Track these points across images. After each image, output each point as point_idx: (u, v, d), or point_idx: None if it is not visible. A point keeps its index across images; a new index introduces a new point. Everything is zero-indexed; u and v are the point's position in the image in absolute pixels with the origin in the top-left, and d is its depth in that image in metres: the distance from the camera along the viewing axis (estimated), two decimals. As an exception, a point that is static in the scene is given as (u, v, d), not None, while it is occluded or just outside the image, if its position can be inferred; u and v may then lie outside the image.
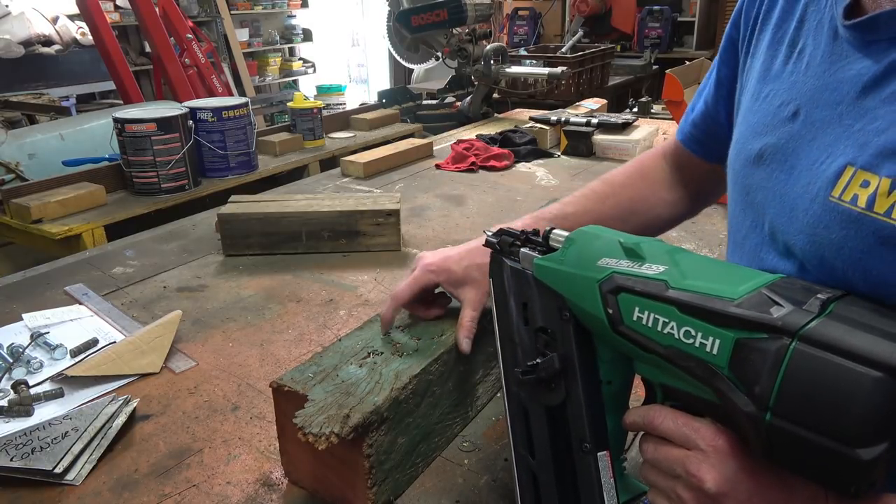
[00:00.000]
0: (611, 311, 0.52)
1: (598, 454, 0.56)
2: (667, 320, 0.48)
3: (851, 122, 0.52)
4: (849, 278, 0.50)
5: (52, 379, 0.99)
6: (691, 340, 0.47)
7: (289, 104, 2.75)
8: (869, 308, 0.44)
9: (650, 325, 0.50)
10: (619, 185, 0.88)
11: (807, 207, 0.54)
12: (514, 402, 0.63)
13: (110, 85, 4.61)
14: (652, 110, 3.08)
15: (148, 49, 5.05)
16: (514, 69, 3.02)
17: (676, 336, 0.48)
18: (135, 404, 0.91)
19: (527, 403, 0.62)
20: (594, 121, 2.31)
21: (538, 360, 0.58)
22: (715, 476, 0.46)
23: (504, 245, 0.66)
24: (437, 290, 0.85)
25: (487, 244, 0.68)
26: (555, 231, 0.61)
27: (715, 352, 0.46)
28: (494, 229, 0.69)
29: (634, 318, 0.51)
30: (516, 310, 0.63)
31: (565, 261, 0.57)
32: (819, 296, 0.45)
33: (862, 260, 0.49)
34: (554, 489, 0.59)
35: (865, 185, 0.49)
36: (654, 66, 4.62)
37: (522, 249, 0.63)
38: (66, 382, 0.98)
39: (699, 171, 0.86)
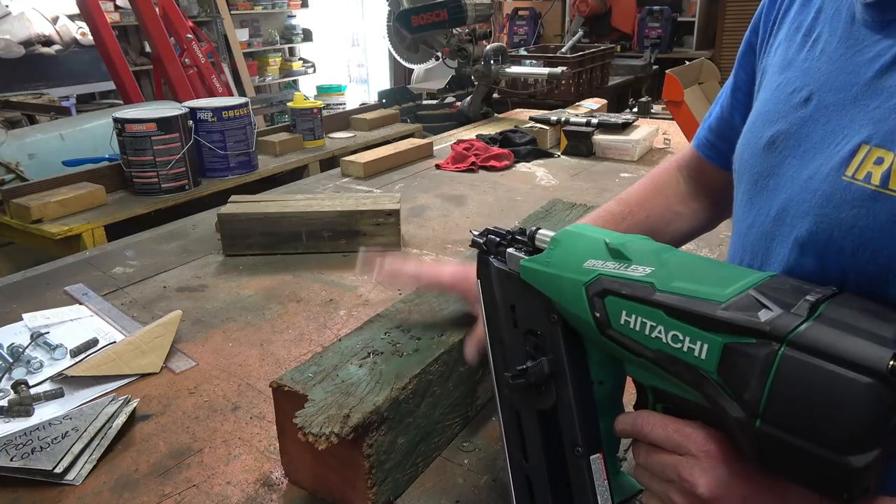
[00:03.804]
0: (598, 315, 0.51)
1: (591, 457, 0.56)
2: (654, 324, 0.48)
3: (867, 101, 0.50)
4: (857, 259, 0.49)
5: (52, 379, 0.99)
6: (679, 345, 0.46)
7: (289, 104, 2.75)
8: (859, 308, 0.44)
9: (638, 328, 0.49)
10: (636, 203, 0.88)
11: (816, 188, 0.52)
12: (507, 405, 0.62)
13: (110, 85, 4.61)
14: (652, 110, 3.08)
15: (148, 49, 5.05)
16: (514, 69, 3.02)
17: (664, 340, 0.47)
18: (135, 404, 0.91)
19: (518, 407, 0.61)
20: (594, 121, 2.31)
21: (527, 365, 0.58)
22: (707, 481, 0.46)
23: (490, 245, 0.65)
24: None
25: (473, 244, 0.67)
26: (540, 231, 0.60)
27: (703, 356, 0.45)
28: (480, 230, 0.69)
29: (622, 322, 0.50)
30: (504, 312, 0.62)
31: (551, 262, 0.56)
32: (808, 297, 0.44)
33: (873, 239, 0.48)
34: (548, 492, 0.59)
35: (879, 162, 0.48)
36: (654, 66, 4.63)
37: (508, 250, 0.62)
38: (66, 382, 0.98)
39: (715, 180, 0.84)
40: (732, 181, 0.76)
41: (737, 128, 0.75)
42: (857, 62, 0.53)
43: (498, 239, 0.64)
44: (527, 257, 0.59)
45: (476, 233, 0.67)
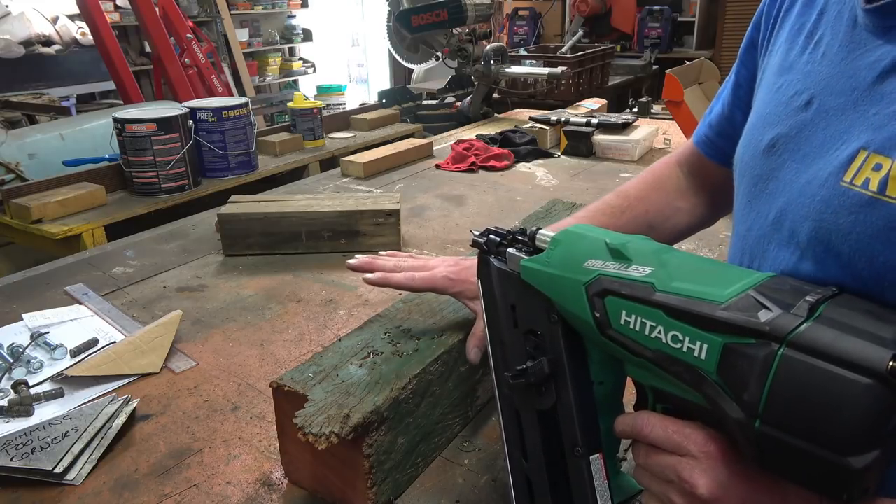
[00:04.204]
0: (598, 315, 0.51)
1: (591, 458, 0.56)
2: (654, 324, 0.48)
3: (867, 107, 0.50)
4: (854, 264, 0.49)
5: (52, 379, 0.99)
6: (679, 345, 0.46)
7: (289, 104, 2.75)
8: (860, 309, 0.43)
9: (637, 328, 0.49)
10: (635, 198, 0.87)
11: (815, 193, 0.52)
12: (507, 404, 0.62)
13: (110, 85, 4.61)
14: (652, 110, 3.08)
15: (148, 49, 5.05)
16: (514, 69, 3.02)
17: (664, 340, 0.47)
18: (135, 404, 0.91)
19: (518, 407, 0.61)
20: (594, 121, 2.31)
21: (527, 365, 0.58)
22: (707, 482, 0.46)
23: (491, 245, 0.65)
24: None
25: (474, 244, 0.67)
26: (541, 231, 0.60)
27: (703, 357, 0.45)
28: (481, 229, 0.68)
29: (622, 322, 0.50)
30: (505, 312, 0.62)
31: (551, 262, 0.56)
32: (808, 297, 0.44)
33: (870, 245, 0.48)
34: (548, 492, 0.59)
35: (878, 168, 0.47)
36: (654, 66, 4.63)
37: (509, 250, 0.62)
38: (66, 382, 0.98)
39: (714, 176, 0.84)
40: (731, 178, 0.76)
41: (737, 126, 0.75)
42: (858, 66, 0.52)
43: (498, 239, 0.64)
44: (527, 257, 0.59)
45: (477, 233, 0.67)
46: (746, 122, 0.70)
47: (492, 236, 0.65)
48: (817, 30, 0.59)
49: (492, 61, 2.91)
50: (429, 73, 4.70)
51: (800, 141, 0.56)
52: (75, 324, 1.15)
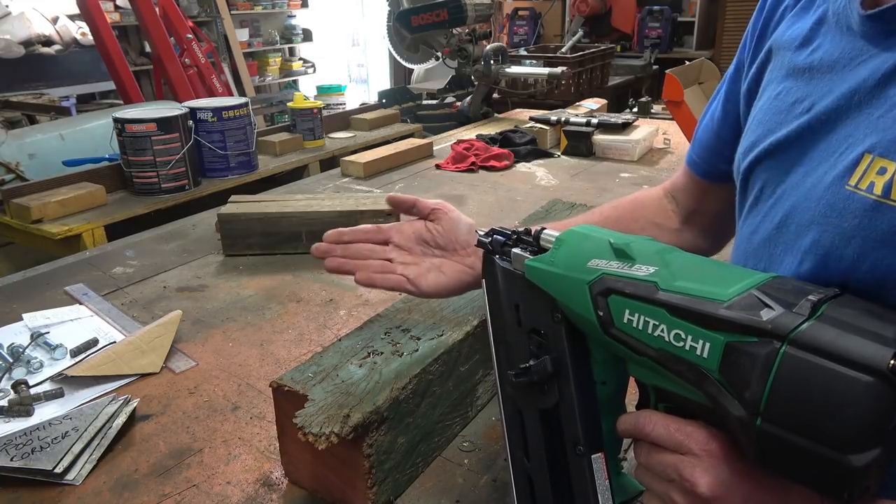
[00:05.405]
0: (601, 314, 0.52)
1: (593, 456, 0.56)
2: (657, 323, 0.48)
3: (872, 111, 0.51)
4: (858, 268, 0.49)
5: (52, 379, 0.99)
6: (682, 343, 0.46)
7: (289, 104, 2.75)
8: (861, 309, 0.44)
9: (641, 327, 0.49)
10: (614, 220, 0.85)
11: (820, 197, 0.53)
12: (509, 403, 0.63)
13: (110, 85, 4.60)
14: (652, 110, 3.09)
15: (148, 49, 5.05)
16: (514, 69, 3.02)
17: (667, 339, 0.47)
18: (135, 404, 0.91)
19: (521, 406, 0.61)
20: (594, 121, 2.31)
21: (530, 363, 0.58)
22: (708, 480, 0.46)
23: (496, 245, 0.65)
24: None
25: (479, 244, 0.67)
26: (545, 231, 0.61)
27: (705, 355, 0.45)
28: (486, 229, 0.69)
29: (625, 321, 0.50)
30: (509, 311, 0.62)
31: (555, 262, 0.57)
32: (810, 297, 0.44)
33: (874, 249, 0.48)
34: (549, 492, 0.59)
35: (882, 172, 0.48)
36: (654, 66, 4.63)
37: (514, 250, 0.62)
38: (66, 382, 0.98)
39: (706, 199, 0.81)
40: (723, 196, 0.75)
41: (725, 139, 0.74)
42: (860, 71, 0.53)
43: (503, 239, 0.65)
44: (531, 257, 0.60)
45: (482, 232, 0.68)
46: (732, 134, 0.70)
47: (496, 236, 0.66)
48: (815, 38, 0.59)
49: (492, 61, 2.91)
50: (429, 73, 4.70)
51: (804, 145, 0.56)
52: (75, 324, 1.15)
